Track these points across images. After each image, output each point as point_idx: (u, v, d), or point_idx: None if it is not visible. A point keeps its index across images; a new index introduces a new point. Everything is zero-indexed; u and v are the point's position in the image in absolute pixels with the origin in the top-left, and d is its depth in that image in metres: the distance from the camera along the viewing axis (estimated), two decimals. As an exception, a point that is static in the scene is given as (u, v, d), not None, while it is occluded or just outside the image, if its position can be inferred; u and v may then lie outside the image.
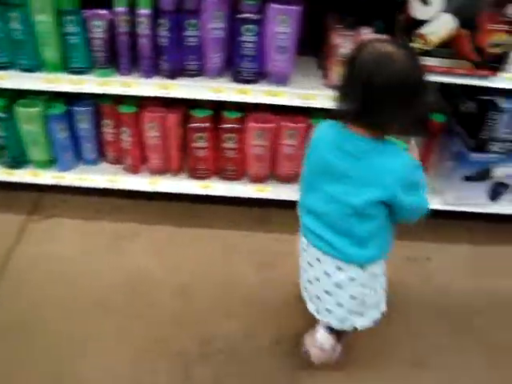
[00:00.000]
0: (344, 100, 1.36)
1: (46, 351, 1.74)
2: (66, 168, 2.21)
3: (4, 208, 2.28)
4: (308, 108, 1.99)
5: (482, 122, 1.99)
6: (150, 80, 1.94)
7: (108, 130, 2.14)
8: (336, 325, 1.61)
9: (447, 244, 2.29)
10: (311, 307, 1.63)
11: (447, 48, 1.81)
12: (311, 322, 1.72)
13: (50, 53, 1.91)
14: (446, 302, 2.04)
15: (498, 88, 1.91)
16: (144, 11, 1.81)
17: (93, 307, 1.89)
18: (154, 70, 1.94)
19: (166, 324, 1.85)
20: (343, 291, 1.53)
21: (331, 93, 1.85)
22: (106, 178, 2.20)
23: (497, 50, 1.81)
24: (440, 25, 1.77)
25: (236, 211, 2.33)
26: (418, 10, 1.75)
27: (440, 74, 1.86)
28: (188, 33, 1.88)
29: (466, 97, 2.09)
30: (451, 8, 1.73)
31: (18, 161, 2.19)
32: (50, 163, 2.21)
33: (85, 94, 2.00)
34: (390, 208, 1.41)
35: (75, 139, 2.17)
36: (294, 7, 1.79)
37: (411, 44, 1.78)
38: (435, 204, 2.13)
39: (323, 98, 1.93)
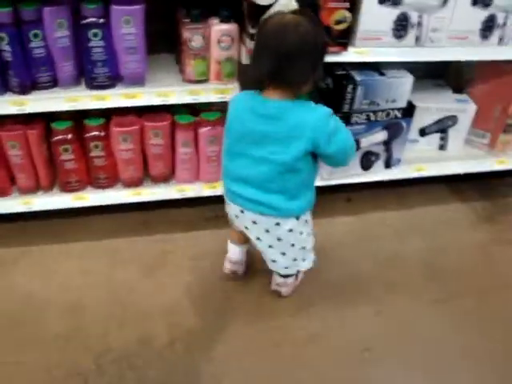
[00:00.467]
0: (257, 67, 1.49)
1: None
2: None
3: None
4: (171, 105, 1.98)
5: (341, 96, 2.06)
6: (1, 98, 1.86)
7: (-33, 155, 2.03)
8: (284, 272, 1.85)
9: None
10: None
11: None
12: (204, 317, 1.82)
13: None
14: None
15: (350, 62, 1.98)
16: (-22, 26, 1.72)
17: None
18: (3, 87, 1.86)
19: (60, 345, 1.79)
20: (284, 242, 1.70)
21: (189, 87, 1.88)
22: (-25, 206, 2.09)
23: (341, 27, 1.86)
24: (282, 8, 1.79)
25: (116, 218, 2.29)
26: (258, -3, 1.78)
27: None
28: (33, 44, 1.81)
29: (325, 73, 2.15)
30: (290, -10, 1.77)
31: None
32: None
33: None
34: (317, 159, 1.58)
35: None
36: (136, 6, 1.77)
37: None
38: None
39: (182, 93, 1.93)
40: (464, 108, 2.37)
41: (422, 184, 2.53)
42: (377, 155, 2.26)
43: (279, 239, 1.69)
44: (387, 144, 2.24)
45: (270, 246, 1.73)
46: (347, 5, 1.82)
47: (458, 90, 2.47)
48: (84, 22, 1.79)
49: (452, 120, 2.39)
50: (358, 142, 2.16)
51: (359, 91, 2.03)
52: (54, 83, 1.92)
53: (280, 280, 1.92)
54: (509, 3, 1.97)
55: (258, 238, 1.72)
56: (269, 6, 1.78)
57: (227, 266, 2.03)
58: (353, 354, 1.81)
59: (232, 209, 1.71)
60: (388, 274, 2.14)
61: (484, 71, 2.38)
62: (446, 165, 2.42)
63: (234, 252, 1.99)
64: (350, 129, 2.09)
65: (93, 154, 2.04)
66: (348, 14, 1.84)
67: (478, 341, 1.87)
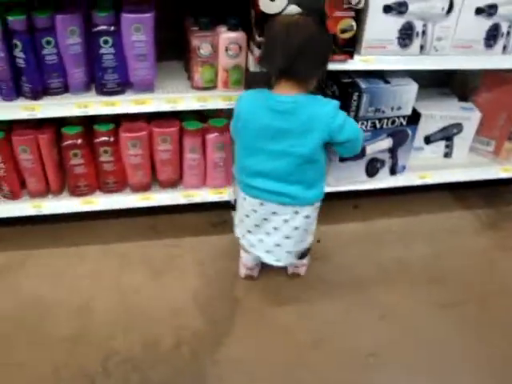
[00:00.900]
0: (270, 64, 1.60)
1: None
2: None
3: None
4: (179, 111, 2.01)
5: (347, 104, 2.08)
6: (13, 103, 1.90)
7: (-22, 160, 2.07)
8: (297, 261, 1.96)
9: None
10: (269, 258, 1.85)
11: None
12: (210, 321, 1.82)
13: None
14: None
15: (356, 70, 2.01)
16: (-7, 33, 1.76)
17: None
18: (15, 93, 1.89)
19: (67, 347, 1.81)
20: (300, 229, 1.78)
21: (197, 94, 1.91)
22: (-14, 209, 2.13)
23: (347, 35, 1.89)
24: (289, 16, 1.83)
25: (124, 223, 2.32)
26: (266, 6, 1.80)
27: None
28: (46, 51, 1.85)
29: (331, 81, 2.18)
30: (296, -1, 1.80)
31: None
32: None
33: None
34: (331, 148, 1.70)
35: None
36: (146, 15, 1.80)
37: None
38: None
39: (190, 99, 1.96)
40: (469, 116, 2.39)
41: (427, 191, 2.55)
42: (382, 162, 2.28)
43: (296, 228, 1.77)
44: (392, 151, 2.26)
45: (287, 237, 1.79)
46: (353, 14, 1.85)
47: (463, 98, 2.49)
48: (95, 29, 1.82)
49: (457, 128, 2.41)
50: (363, 149, 2.19)
51: (364, 99, 2.06)
52: (65, 89, 1.95)
53: (297, 262, 2.01)
54: (513, 13, 2.00)
55: (276, 229, 1.77)
56: (276, 15, 1.81)
57: (243, 271, 2.08)
58: (357, 359, 1.82)
59: (250, 204, 1.76)
60: (392, 278, 2.16)
61: (489, 79, 2.40)
62: (450, 172, 2.43)
63: (248, 259, 2.03)
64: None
65: (102, 158, 2.07)
66: (354, 23, 1.87)
67: (480, 346, 1.89)
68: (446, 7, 1.92)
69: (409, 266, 2.22)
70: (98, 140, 2.03)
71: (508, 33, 2.04)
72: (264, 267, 2.08)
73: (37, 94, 1.90)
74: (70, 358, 1.78)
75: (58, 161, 2.09)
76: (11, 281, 2.06)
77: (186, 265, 2.15)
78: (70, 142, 2.01)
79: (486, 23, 1.99)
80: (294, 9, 1.79)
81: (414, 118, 2.24)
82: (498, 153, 2.47)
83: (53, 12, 1.78)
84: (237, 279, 2.09)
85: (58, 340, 1.84)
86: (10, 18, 1.76)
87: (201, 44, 1.90)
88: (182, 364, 1.78)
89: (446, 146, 2.47)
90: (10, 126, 2.01)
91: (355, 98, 2.06)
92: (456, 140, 2.45)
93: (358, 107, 2.08)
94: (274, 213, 1.74)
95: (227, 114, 2.07)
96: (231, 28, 1.90)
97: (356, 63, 1.96)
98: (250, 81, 1.99)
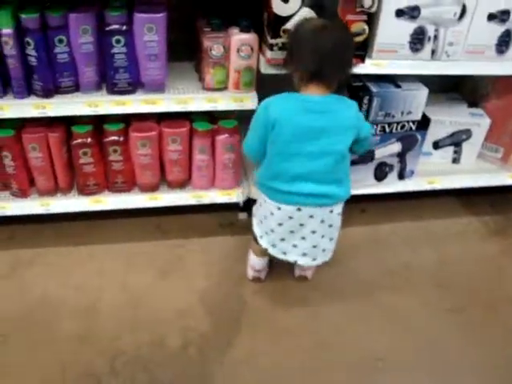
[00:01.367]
0: (300, 67, 1.65)
1: None
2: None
3: None
4: (189, 112, 2.01)
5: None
6: (24, 101, 1.90)
7: (-12, 157, 2.07)
8: (328, 258, 1.90)
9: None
10: (305, 260, 1.85)
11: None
12: (217, 322, 1.82)
13: None
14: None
15: (367, 74, 2.00)
16: (6, 31, 1.75)
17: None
18: (27, 91, 1.90)
19: (74, 346, 1.82)
20: (334, 227, 1.82)
21: (208, 95, 1.91)
22: (-5, 206, 2.13)
23: (359, 39, 1.89)
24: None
25: (132, 222, 2.32)
26: (279, 8, 1.80)
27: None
28: (58, 50, 1.85)
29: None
30: (309, 2, 1.80)
31: None
32: None
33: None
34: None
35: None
36: (159, 15, 1.79)
37: (278, 39, 1.84)
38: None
39: (200, 100, 1.96)
40: (478, 122, 2.39)
41: (435, 196, 2.55)
42: (391, 166, 2.28)
43: (330, 225, 1.80)
44: (401, 156, 2.26)
45: (322, 236, 1.80)
46: (365, 17, 1.85)
47: (472, 104, 2.48)
48: (108, 28, 1.82)
49: (466, 134, 2.41)
50: (372, 153, 2.19)
51: (375, 103, 2.06)
52: (76, 88, 1.95)
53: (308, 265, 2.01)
54: (525, 19, 2.00)
55: (313, 232, 1.77)
56: (289, 17, 1.82)
57: (250, 273, 2.08)
58: (366, 363, 1.82)
59: (285, 212, 1.74)
60: (399, 283, 2.15)
61: (499, 86, 2.40)
62: (458, 178, 2.43)
63: (258, 263, 2.03)
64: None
65: (111, 158, 2.07)
66: (366, 27, 1.87)
67: (487, 352, 1.88)
68: (459, 12, 1.92)
69: (416, 270, 2.22)
70: (107, 139, 2.03)
71: (520, 39, 2.04)
72: (271, 270, 2.08)
73: (48, 93, 1.90)
74: (76, 358, 1.78)
75: (68, 159, 2.09)
76: (19, 279, 2.06)
77: (194, 265, 2.15)
78: (79, 140, 2.01)
79: (498, 29, 1.99)
80: (307, 12, 1.80)
81: (424, 123, 2.24)
82: (506, 160, 2.46)
83: (66, 11, 1.79)
84: (244, 281, 2.09)
85: (65, 339, 1.84)
86: (23, 16, 1.75)
87: (213, 45, 1.90)
88: (189, 365, 1.78)
89: (455, 152, 2.47)
90: (21, 123, 2.01)
91: (366, 101, 2.06)
92: (465, 146, 2.44)
93: (368, 111, 2.08)
94: (311, 216, 1.74)
95: (238, 115, 2.08)
96: (243, 29, 1.90)
97: (367, 67, 1.96)
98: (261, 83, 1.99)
